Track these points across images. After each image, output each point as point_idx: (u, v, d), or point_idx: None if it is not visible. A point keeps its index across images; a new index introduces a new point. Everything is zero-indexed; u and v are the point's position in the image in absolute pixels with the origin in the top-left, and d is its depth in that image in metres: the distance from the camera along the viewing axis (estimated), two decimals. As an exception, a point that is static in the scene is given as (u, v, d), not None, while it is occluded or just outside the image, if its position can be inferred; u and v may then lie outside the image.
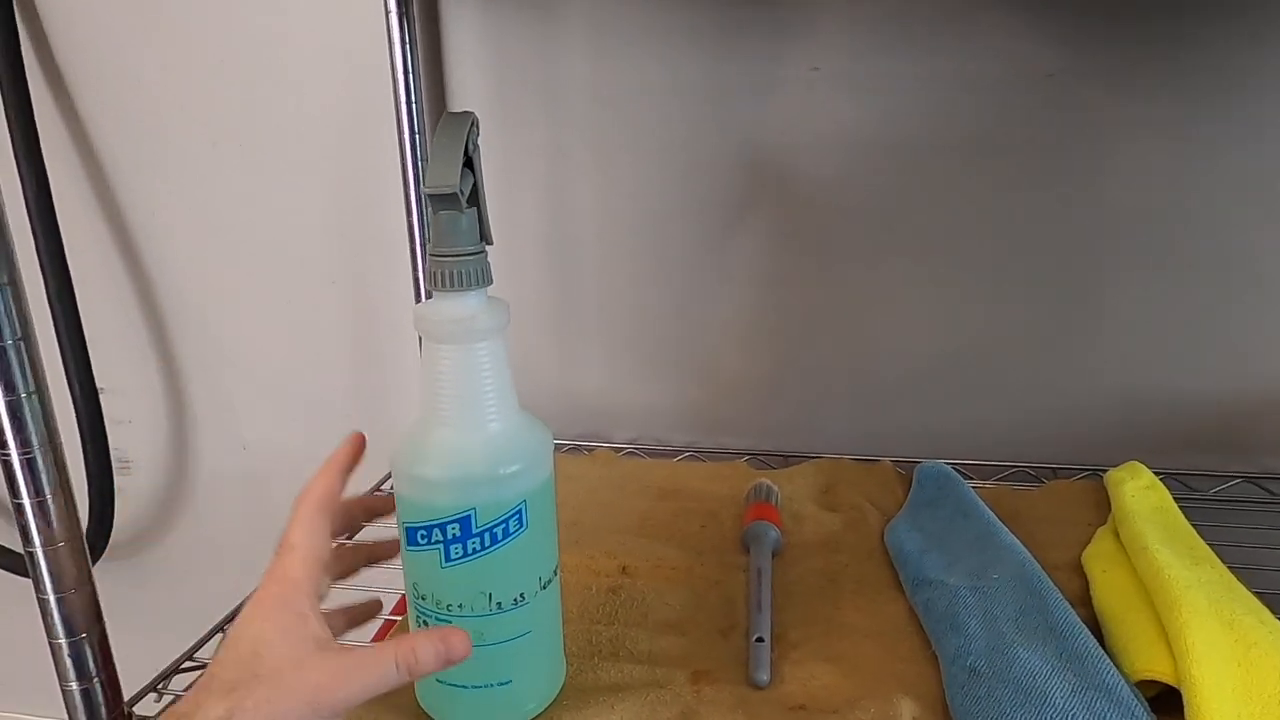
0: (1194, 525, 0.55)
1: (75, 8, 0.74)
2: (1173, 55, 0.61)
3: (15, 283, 0.36)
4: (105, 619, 0.43)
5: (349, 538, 0.49)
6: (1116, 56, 0.61)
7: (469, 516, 0.39)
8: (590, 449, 0.75)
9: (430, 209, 0.38)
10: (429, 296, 0.44)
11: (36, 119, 0.74)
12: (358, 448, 0.43)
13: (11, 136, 0.73)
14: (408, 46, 0.65)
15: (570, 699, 0.44)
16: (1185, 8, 0.59)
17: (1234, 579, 0.48)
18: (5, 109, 0.73)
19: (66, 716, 0.42)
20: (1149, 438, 0.69)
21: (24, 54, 0.73)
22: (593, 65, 0.68)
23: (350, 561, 0.45)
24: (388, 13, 0.64)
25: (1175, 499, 0.58)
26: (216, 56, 0.73)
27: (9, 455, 0.37)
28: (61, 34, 0.75)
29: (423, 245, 0.70)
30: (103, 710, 0.42)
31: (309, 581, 0.37)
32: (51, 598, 0.39)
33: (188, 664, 0.49)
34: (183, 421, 0.85)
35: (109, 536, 0.85)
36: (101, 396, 0.80)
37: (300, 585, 0.36)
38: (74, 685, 0.41)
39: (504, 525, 0.39)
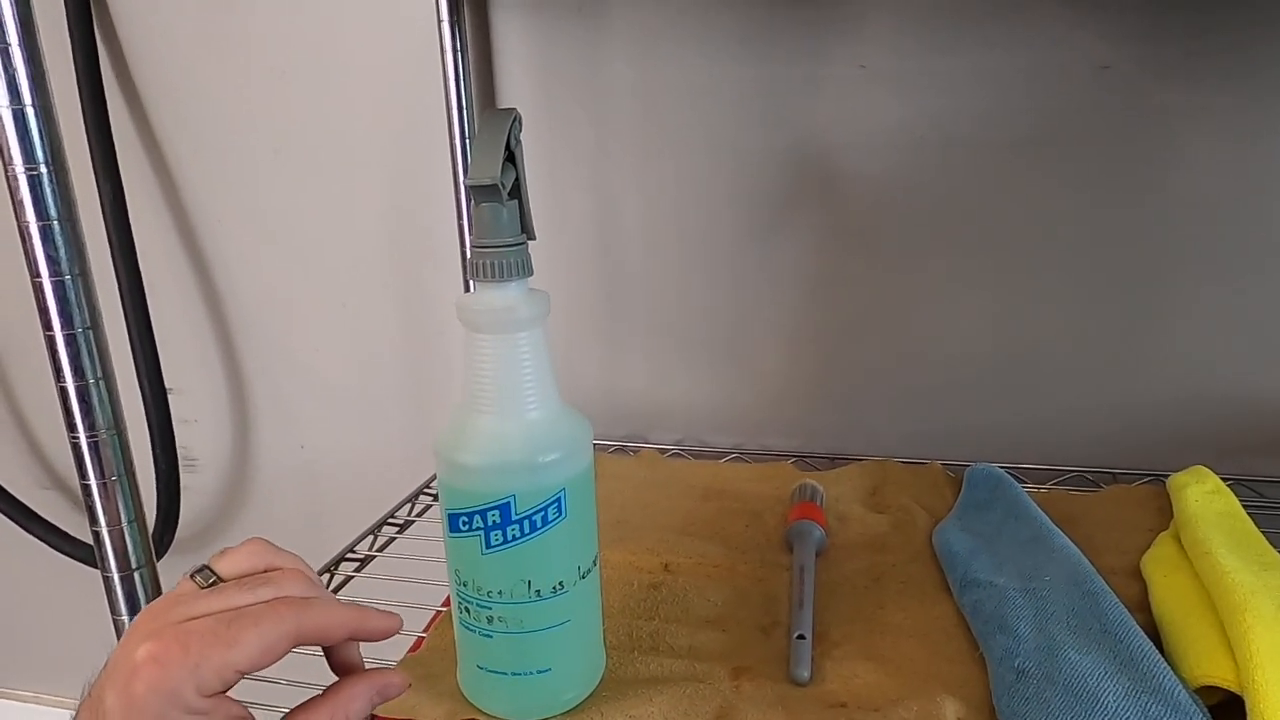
0: (1266, 534, 0.52)
1: (149, 29, 0.78)
2: (1237, 46, 0.58)
3: (85, 274, 0.38)
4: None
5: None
6: (1176, 47, 0.59)
7: (508, 503, 0.39)
8: (635, 450, 0.75)
9: (472, 201, 0.39)
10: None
11: (114, 133, 0.78)
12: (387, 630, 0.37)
13: (90, 149, 0.78)
14: (458, 53, 0.67)
15: (609, 690, 0.45)
16: (1249, -5, 0.57)
17: (1308, 587, 0.45)
18: (85, 123, 0.77)
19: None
20: (1216, 442, 0.66)
21: (103, 72, 0.78)
22: (638, 67, 0.69)
23: None
24: (440, 21, 0.66)
25: (1245, 506, 0.55)
26: (277, 69, 0.76)
27: (78, 438, 0.39)
28: (137, 53, 0.79)
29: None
30: (161, 687, 0.43)
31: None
32: (115, 575, 0.41)
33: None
34: (245, 421, 0.89)
35: (175, 531, 0.89)
36: (170, 397, 0.84)
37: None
38: (135, 662, 0.43)
39: (543, 513, 0.40)
